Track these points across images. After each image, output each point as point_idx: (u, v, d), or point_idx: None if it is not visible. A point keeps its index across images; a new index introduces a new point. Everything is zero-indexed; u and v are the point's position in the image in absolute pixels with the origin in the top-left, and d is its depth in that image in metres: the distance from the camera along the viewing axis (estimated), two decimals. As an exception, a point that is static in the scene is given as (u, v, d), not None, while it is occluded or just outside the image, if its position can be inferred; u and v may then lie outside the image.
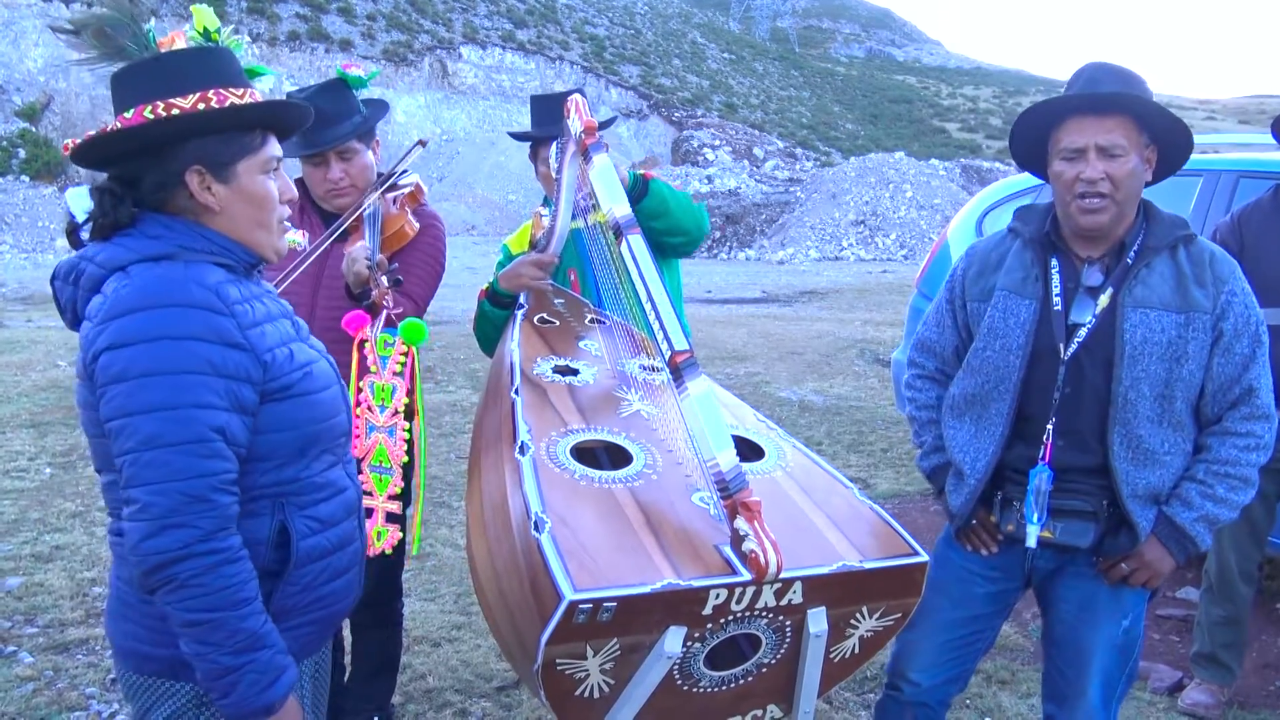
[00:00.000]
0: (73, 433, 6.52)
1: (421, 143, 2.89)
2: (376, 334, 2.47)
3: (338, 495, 1.74)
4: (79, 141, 1.57)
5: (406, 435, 2.46)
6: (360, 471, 2.37)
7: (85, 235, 1.63)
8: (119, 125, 1.56)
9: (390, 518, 2.44)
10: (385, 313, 2.49)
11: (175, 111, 1.55)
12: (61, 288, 1.63)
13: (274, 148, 1.68)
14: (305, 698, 1.78)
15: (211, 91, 1.57)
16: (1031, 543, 2.15)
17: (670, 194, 2.77)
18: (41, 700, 3.25)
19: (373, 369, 2.43)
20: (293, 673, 1.59)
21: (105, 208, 1.60)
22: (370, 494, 2.40)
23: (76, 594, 4.05)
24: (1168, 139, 2.13)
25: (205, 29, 1.73)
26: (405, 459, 2.48)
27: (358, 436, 2.37)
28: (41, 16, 36.50)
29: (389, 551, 2.46)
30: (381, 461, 2.42)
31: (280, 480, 1.64)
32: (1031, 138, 2.21)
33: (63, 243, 26.43)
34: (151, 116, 1.55)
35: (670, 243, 2.85)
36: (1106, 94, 2.06)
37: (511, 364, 2.20)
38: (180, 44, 1.68)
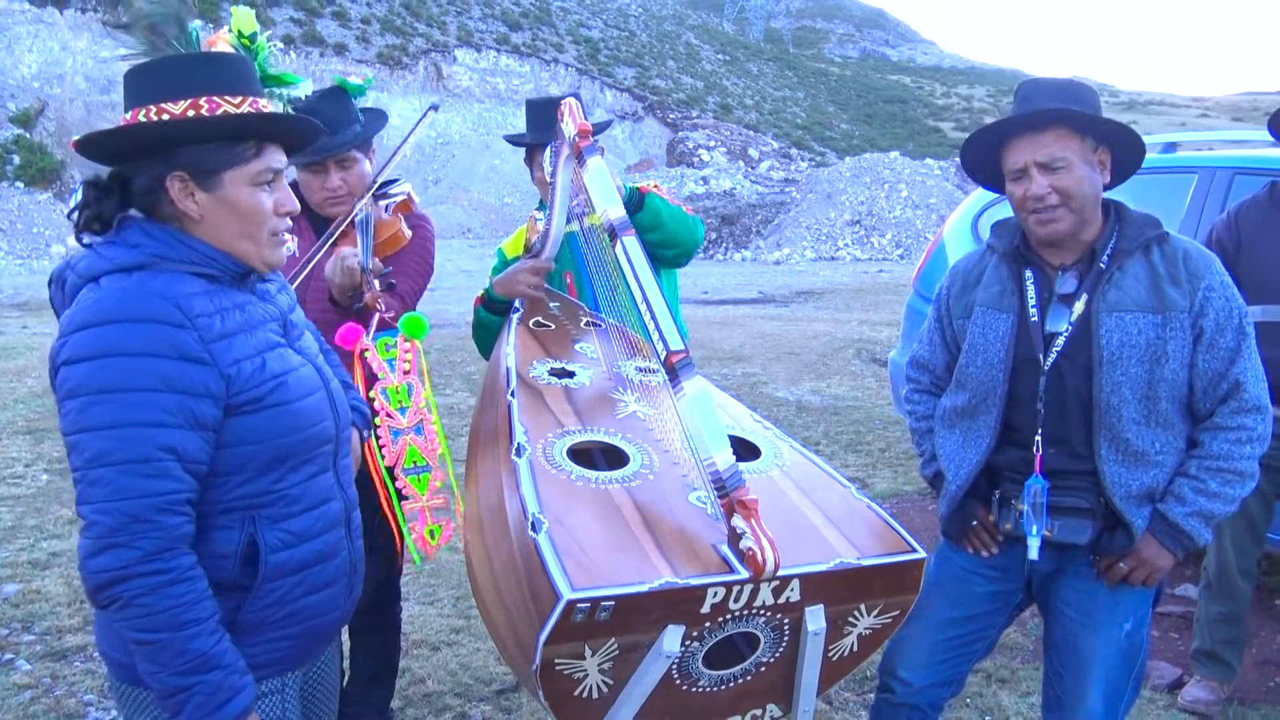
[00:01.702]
0: (69, 439, 6.51)
1: (434, 107, 2.86)
2: (373, 340, 2.45)
3: (318, 507, 1.70)
4: (84, 136, 1.58)
5: (436, 428, 2.43)
6: (396, 479, 2.34)
7: (73, 222, 1.63)
8: (120, 125, 1.57)
9: (438, 512, 2.42)
10: (378, 316, 2.47)
11: (165, 117, 1.54)
12: (55, 293, 1.64)
13: (271, 159, 1.64)
14: (290, 713, 1.75)
15: (204, 99, 1.56)
16: (1034, 555, 2.15)
17: (664, 207, 2.80)
18: (39, 708, 3.24)
19: (380, 375, 2.41)
20: (248, 694, 1.55)
21: (88, 198, 1.60)
22: (411, 497, 2.37)
23: (74, 601, 4.04)
24: (1116, 141, 2.14)
25: (240, 31, 1.72)
26: (442, 449, 2.45)
27: (384, 446, 2.35)
28: (35, 23, 36.48)
29: (445, 548, 2.43)
30: (415, 462, 2.39)
31: (252, 493, 1.61)
32: (985, 160, 2.24)
33: (58, 249, 26.43)
34: (144, 120, 1.55)
35: (664, 255, 2.88)
36: (1033, 112, 2.08)
37: (507, 367, 2.20)
38: (222, 46, 1.68)
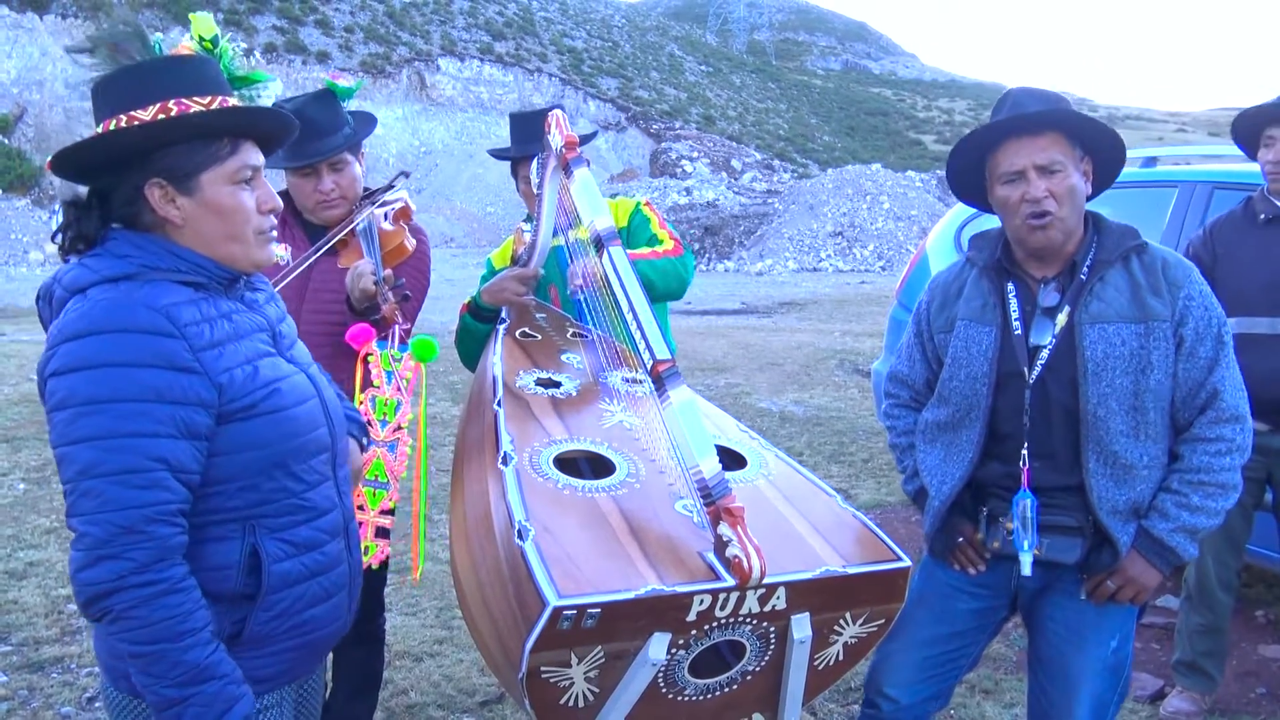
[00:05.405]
0: (46, 448, 6.41)
1: (404, 174, 2.86)
2: (388, 347, 2.43)
3: (319, 518, 1.70)
4: (57, 153, 1.56)
5: (409, 451, 2.42)
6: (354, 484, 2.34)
7: (58, 245, 1.62)
8: (93, 136, 1.55)
9: (380, 532, 2.41)
10: (396, 329, 2.44)
11: (135, 123, 1.53)
12: (43, 308, 1.63)
13: (247, 156, 1.63)
14: None
15: (172, 101, 1.54)
16: (1027, 570, 2.14)
17: (649, 270, 2.76)
18: None
19: (375, 383, 2.39)
20: (246, 704, 1.54)
21: (69, 219, 1.59)
22: (362, 508, 2.36)
23: (51, 611, 4.00)
24: (1100, 149, 2.16)
25: (201, 37, 1.71)
26: (404, 474, 2.44)
27: None
28: (15, 28, 36.25)
29: (376, 566, 2.43)
30: (378, 476, 2.38)
31: (250, 502, 1.60)
32: (968, 168, 2.23)
33: (36, 255, 26.20)
34: (114, 128, 1.54)
35: (656, 302, 2.87)
36: (1035, 113, 2.09)
37: (494, 377, 2.20)
38: (186, 53, 1.67)
